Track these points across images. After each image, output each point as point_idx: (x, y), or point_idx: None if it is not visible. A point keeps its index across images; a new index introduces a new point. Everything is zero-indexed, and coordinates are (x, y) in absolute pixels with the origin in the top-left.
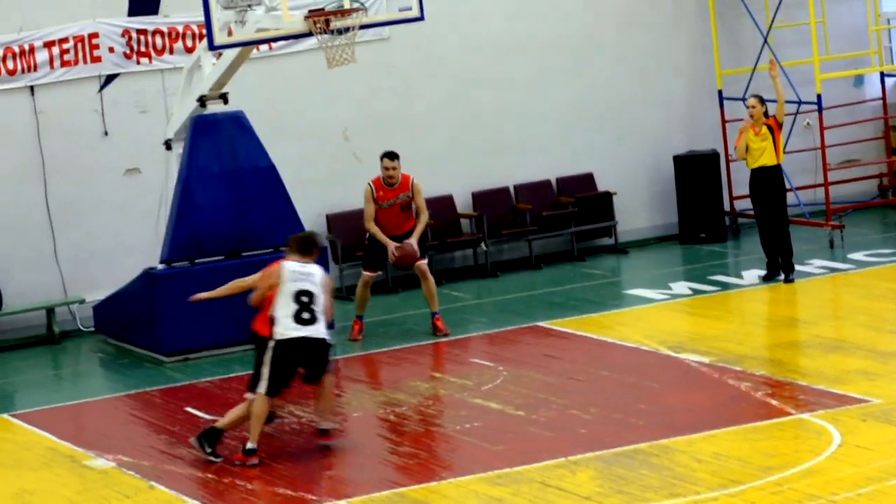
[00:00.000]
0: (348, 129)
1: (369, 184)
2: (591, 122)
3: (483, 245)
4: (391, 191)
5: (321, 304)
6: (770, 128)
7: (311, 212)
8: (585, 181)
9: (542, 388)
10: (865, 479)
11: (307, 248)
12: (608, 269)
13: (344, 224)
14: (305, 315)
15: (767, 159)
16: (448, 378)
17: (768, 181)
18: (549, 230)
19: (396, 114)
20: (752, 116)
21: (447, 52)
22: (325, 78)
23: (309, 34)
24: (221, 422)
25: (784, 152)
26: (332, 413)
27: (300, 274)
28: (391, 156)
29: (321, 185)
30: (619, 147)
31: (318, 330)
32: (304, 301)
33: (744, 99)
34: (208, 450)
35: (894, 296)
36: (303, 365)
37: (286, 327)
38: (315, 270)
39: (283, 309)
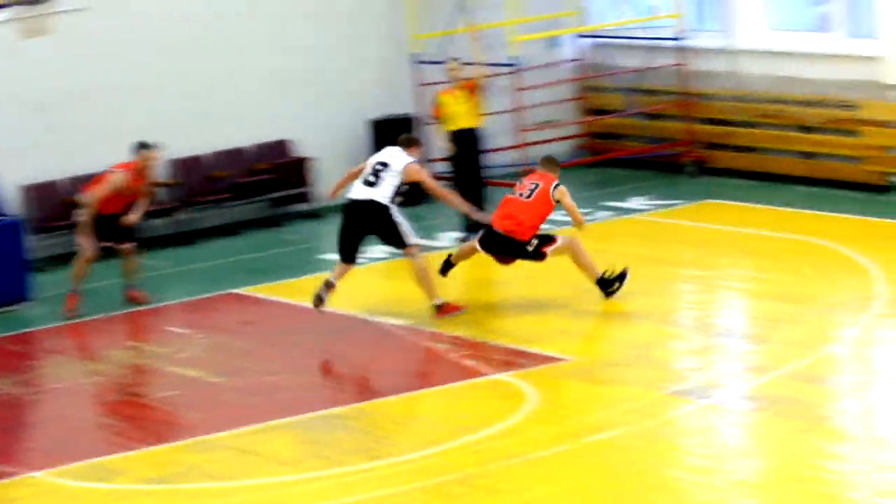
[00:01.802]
0: (46, 100)
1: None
2: (289, 89)
3: (181, 213)
4: (141, 178)
5: (392, 175)
6: (469, 90)
7: (7, 183)
8: (283, 147)
9: (240, 354)
10: (562, 436)
11: (404, 142)
12: (306, 235)
13: (40, 195)
14: (371, 179)
15: (466, 121)
16: (146, 347)
17: (466, 143)
18: (246, 197)
19: (98, 84)
20: (451, 79)
21: (147, 21)
22: (23, 49)
23: (2, 5)
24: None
25: (482, 114)
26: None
27: (384, 154)
28: (151, 147)
29: (17, 157)
30: (316, 113)
31: (373, 193)
32: (377, 169)
33: (440, 62)
34: None
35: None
36: (363, 225)
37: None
38: (401, 155)
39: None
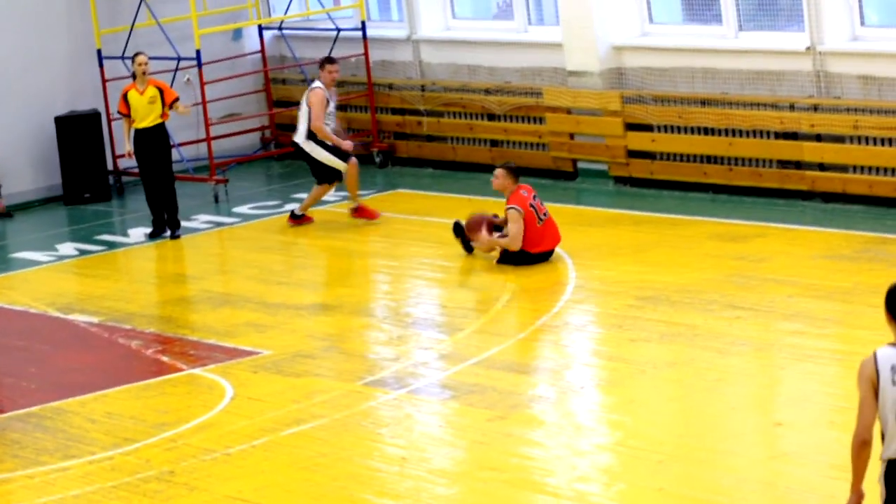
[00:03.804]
0: None
1: None
2: None
3: None
4: None
5: (303, 111)
6: (160, 88)
7: None
8: None
9: None
10: (259, 430)
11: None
12: None
13: None
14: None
15: (153, 119)
16: None
17: (153, 139)
18: None
19: None
20: (136, 75)
21: None
22: None
23: None
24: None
25: (169, 109)
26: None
27: None
28: None
29: None
30: (0, 111)
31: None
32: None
33: (125, 57)
34: None
35: (280, 247)
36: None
37: None
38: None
39: None
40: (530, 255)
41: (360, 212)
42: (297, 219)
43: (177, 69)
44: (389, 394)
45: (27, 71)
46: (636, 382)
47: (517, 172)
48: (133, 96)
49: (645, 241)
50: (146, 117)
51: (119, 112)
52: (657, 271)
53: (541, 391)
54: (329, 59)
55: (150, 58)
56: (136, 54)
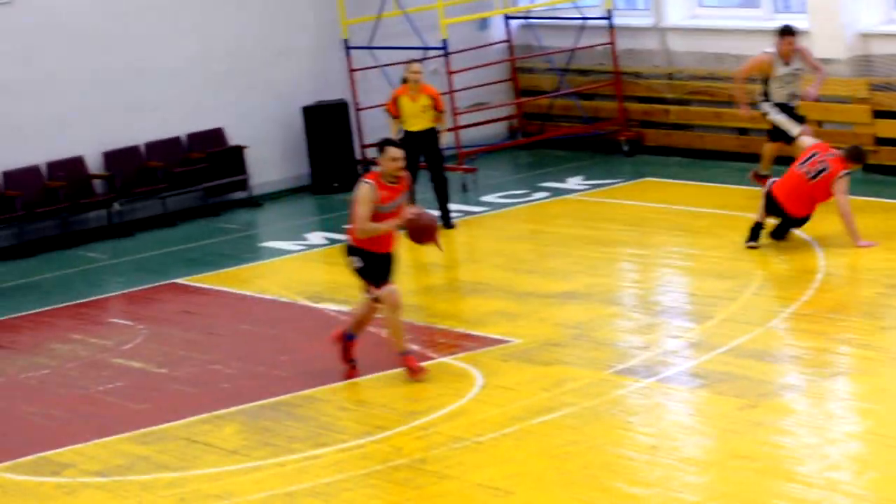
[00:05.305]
0: None
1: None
2: (219, 77)
3: (116, 205)
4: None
5: None
6: (433, 97)
7: None
8: (216, 136)
9: (183, 344)
10: (509, 418)
11: None
12: (243, 223)
13: None
14: None
15: (425, 123)
16: (88, 339)
17: (424, 143)
18: (181, 187)
19: (20, 77)
20: (411, 81)
21: (68, 13)
22: None
23: None
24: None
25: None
26: None
27: None
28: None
29: None
30: (247, 101)
31: None
32: None
33: (370, 47)
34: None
35: (528, 236)
36: None
37: None
38: None
39: None
40: (793, 218)
41: (761, 179)
42: (761, 178)
43: (423, 59)
44: (639, 382)
45: (274, 62)
46: (887, 371)
47: (853, 156)
48: (405, 102)
49: (894, 228)
50: (417, 123)
51: (387, 111)
52: None
53: (791, 380)
54: (787, 31)
55: (396, 48)
56: (410, 62)
